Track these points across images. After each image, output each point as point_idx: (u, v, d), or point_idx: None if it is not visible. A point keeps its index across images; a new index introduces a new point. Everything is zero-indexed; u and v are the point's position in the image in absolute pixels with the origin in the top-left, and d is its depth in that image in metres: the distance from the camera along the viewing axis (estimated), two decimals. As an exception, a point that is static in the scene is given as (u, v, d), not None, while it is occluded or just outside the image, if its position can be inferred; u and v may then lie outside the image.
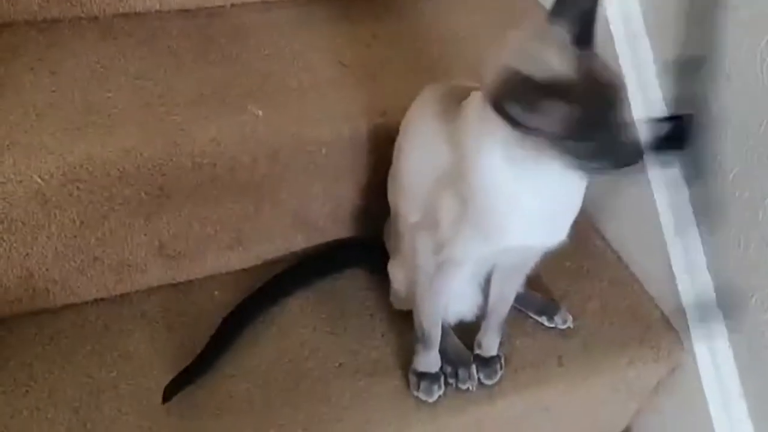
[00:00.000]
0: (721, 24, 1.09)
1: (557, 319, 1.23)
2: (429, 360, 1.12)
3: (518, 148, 0.83)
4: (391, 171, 1.11)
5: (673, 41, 1.20)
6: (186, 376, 1.07)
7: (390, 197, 1.13)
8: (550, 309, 1.24)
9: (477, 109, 0.89)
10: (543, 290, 1.27)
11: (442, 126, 0.96)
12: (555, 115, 0.77)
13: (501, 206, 0.90)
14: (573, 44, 0.81)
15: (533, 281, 1.19)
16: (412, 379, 1.13)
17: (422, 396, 1.11)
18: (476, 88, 0.93)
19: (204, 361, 1.10)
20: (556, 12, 0.83)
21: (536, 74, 0.78)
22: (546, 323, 1.24)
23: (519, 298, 1.18)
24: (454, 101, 0.96)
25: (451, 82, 1.05)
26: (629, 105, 0.84)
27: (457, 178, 0.93)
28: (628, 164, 0.82)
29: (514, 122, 0.77)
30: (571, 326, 1.24)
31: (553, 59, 0.79)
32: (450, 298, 1.09)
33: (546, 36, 0.82)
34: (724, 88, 1.11)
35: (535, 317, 1.24)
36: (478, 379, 1.14)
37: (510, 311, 1.16)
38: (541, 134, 0.78)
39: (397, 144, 1.08)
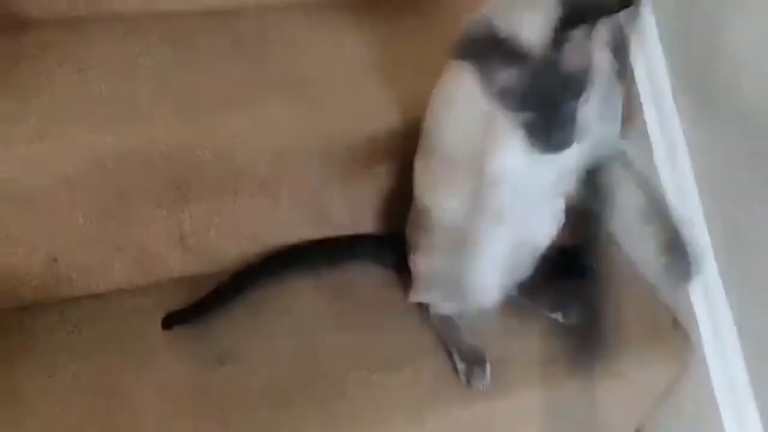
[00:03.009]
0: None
1: (572, 315, 1.23)
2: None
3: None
4: (420, 158, 1.11)
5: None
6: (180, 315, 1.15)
7: (420, 191, 1.13)
8: (565, 305, 1.23)
9: None
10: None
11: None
12: (502, 76, 0.81)
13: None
14: (559, 19, 0.81)
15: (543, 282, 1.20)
16: (461, 366, 1.15)
17: (476, 383, 1.13)
18: None
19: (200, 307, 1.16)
20: None
21: (502, 34, 0.80)
22: (561, 319, 1.23)
23: (531, 295, 1.21)
24: None
25: None
26: (587, 100, 0.85)
27: None
28: (550, 152, 0.86)
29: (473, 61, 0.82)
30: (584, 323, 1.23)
31: (529, 27, 0.81)
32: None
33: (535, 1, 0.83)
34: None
35: (548, 314, 1.24)
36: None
37: (521, 308, 1.17)
38: (489, 88, 0.83)
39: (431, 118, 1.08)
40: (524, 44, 0.81)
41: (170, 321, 1.15)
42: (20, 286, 1.14)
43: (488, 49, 0.81)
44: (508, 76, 0.82)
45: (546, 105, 0.83)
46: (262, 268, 1.23)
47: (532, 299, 1.23)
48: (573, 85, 0.83)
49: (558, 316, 1.24)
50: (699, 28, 1.18)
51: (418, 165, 1.13)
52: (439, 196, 1.08)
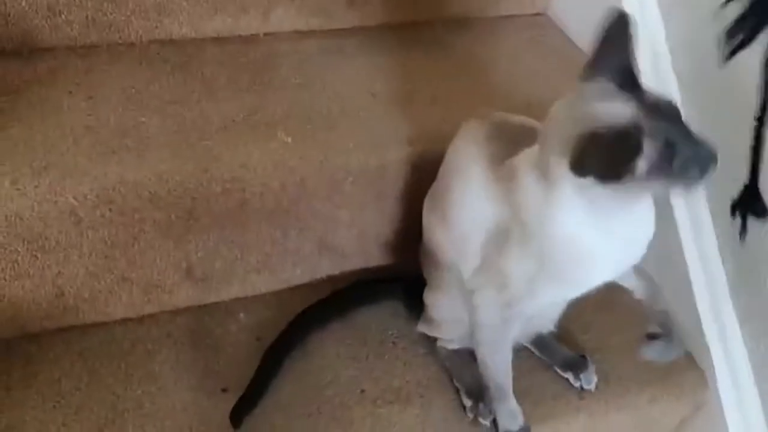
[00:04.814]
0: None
1: (583, 377, 1.19)
2: (513, 409, 1.11)
3: (607, 199, 0.86)
4: (430, 206, 1.11)
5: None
6: (244, 404, 1.09)
7: (429, 234, 1.11)
8: (578, 365, 1.20)
9: (534, 178, 0.90)
10: (567, 328, 1.24)
11: (493, 179, 0.97)
12: (640, 161, 0.80)
13: (585, 258, 0.92)
14: (619, 89, 0.84)
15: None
16: (468, 402, 1.13)
17: (482, 419, 1.12)
18: (520, 125, 0.98)
19: (254, 390, 1.11)
20: (595, 68, 0.86)
21: (607, 131, 0.80)
22: (571, 380, 1.20)
23: (545, 349, 1.20)
24: (502, 144, 0.98)
25: (493, 115, 1.05)
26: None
27: (523, 240, 0.93)
28: (710, 168, 0.84)
29: (607, 181, 0.81)
30: (593, 390, 1.20)
31: (614, 109, 0.82)
32: None
33: (594, 93, 0.85)
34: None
35: (560, 372, 1.21)
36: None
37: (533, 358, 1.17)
38: (634, 179, 0.81)
39: (443, 184, 1.07)
40: (630, 123, 0.81)
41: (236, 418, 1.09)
42: (26, 316, 1.14)
43: (612, 153, 0.80)
44: (642, 159, 0.81)
45: (680, 139, 0.82)
46: (293, 333, 1.20)
47: (544, 354, 1.22)
48: (676, 109, 0.85)
49: (569, 377, 1.20)
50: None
51: (427, 204, 1.12)
52: (455, 257, 1.06)
